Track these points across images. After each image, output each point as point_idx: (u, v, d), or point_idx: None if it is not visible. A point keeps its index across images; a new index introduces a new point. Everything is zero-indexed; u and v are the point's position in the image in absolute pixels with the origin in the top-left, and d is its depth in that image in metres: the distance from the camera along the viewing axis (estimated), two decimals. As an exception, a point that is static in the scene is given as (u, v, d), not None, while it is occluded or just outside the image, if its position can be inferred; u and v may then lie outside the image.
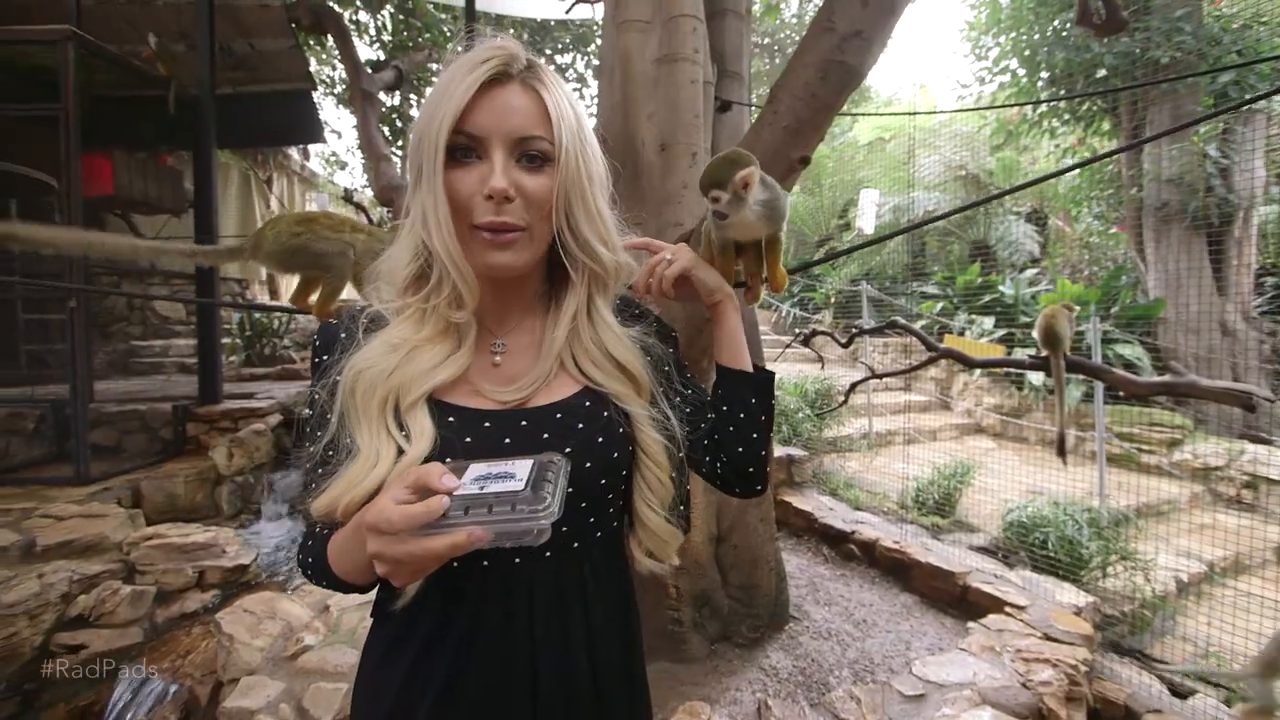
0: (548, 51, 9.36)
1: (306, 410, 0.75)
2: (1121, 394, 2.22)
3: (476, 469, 0.58)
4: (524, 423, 0.73)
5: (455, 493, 0.54)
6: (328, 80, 9.10)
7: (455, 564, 0.64)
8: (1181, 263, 5.99)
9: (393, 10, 7.67)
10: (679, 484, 0.81)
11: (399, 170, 5.91)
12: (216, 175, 4.84)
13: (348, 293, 1.54)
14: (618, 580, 0.80)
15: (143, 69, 4.54)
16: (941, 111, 9.73)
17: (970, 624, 2.77)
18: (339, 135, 12.84)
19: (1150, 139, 5.39)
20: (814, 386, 5.70)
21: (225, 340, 6.45)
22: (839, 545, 3.88)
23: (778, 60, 13.22)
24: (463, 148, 0.68)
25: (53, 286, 2.78)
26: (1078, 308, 2.60)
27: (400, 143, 7.80)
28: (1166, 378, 1.94)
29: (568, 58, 9.72)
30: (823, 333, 2.93)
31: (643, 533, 0.80)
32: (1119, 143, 6.46)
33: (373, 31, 7.99)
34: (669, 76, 2.48)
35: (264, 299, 9.16)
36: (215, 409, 4.49)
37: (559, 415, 0.74)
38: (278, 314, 7.19)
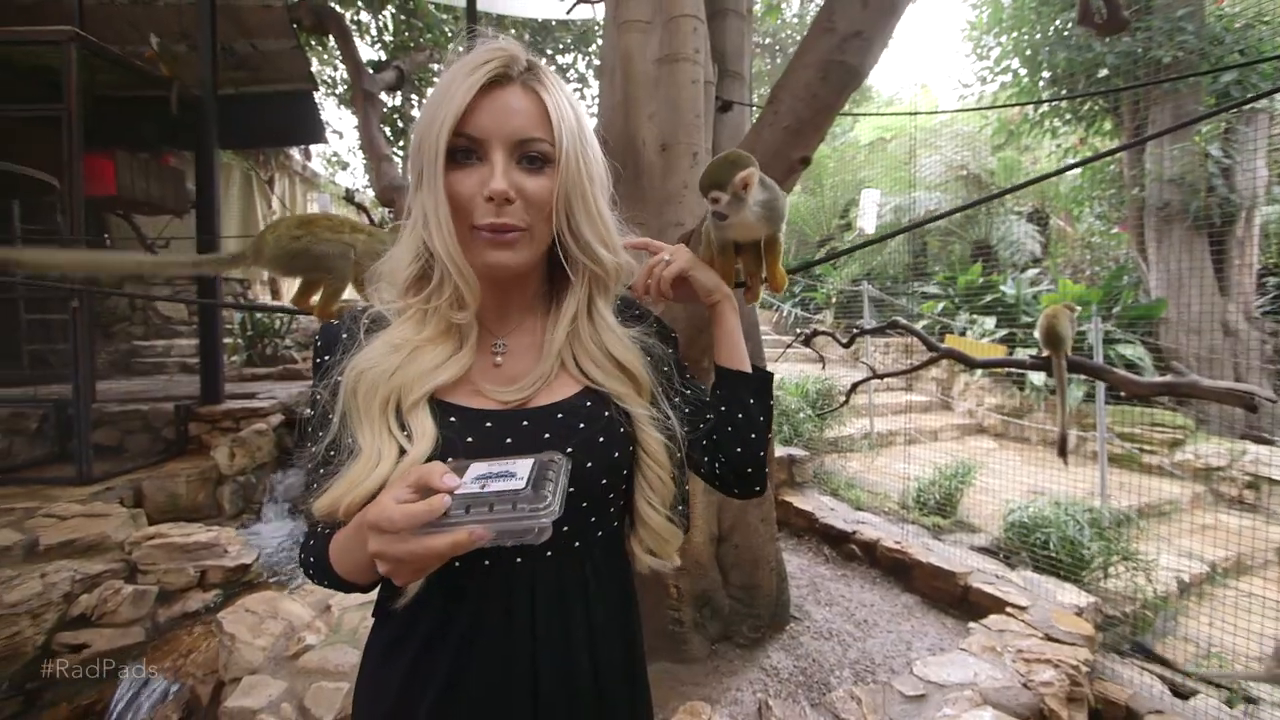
0: (549, 52, 9.36)
1: (308, 410, 0.75)
2: (1123, 394, 2.22)
3: (477, 468, 0.58)
4: (525, 423, 0.73)
5: (456, 491, 0.54)
6: (329, 81, 9.12)
7: (456, 563, 0.64)
8: (1183, 263, 5.98)
9: (394, 11, 7.68)
10: (679, 483, 0.81)
11: (400, 171, 5.92)
12: (218, 175, 4.85)
13: (349, 293, 1.54)
14: (619, 579, 0.80)
15: (145, 69, 4.55)
16: (943, 111, 9.73)
17: (971, 624, 2.77)
18: (340, 136, 12.85)
19: (1151, 137, 5.37)
20: (815, 386, 5.70)
21: (227, 340, 6.46)
22: (840, 545, 3.88)
23: (779, 60, 13.22)
24: (463, 149, 0.69)
25: (55, 286, 2.79)
26: (1079, 308, 2.60)
27: (401, 143, 7.80)
28: (1168, 378, 1.95)
29: (569, 58, 9.72)
30: (824, 333, 2.92)
31: (644, 532, 0.80)
32: (1121, 143, 6.45)
33: (374, 32, 8.01)
34: (670, 76, 2.48)
35: (266, 299, 9.18)
36: (217, 409, 4.50)
37: (560, 415, 0.74)
38: (279, 314, 7.20)
